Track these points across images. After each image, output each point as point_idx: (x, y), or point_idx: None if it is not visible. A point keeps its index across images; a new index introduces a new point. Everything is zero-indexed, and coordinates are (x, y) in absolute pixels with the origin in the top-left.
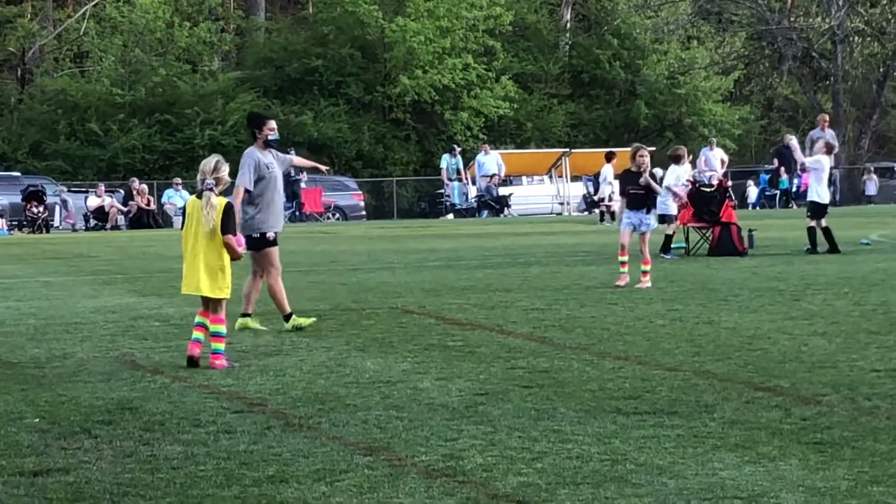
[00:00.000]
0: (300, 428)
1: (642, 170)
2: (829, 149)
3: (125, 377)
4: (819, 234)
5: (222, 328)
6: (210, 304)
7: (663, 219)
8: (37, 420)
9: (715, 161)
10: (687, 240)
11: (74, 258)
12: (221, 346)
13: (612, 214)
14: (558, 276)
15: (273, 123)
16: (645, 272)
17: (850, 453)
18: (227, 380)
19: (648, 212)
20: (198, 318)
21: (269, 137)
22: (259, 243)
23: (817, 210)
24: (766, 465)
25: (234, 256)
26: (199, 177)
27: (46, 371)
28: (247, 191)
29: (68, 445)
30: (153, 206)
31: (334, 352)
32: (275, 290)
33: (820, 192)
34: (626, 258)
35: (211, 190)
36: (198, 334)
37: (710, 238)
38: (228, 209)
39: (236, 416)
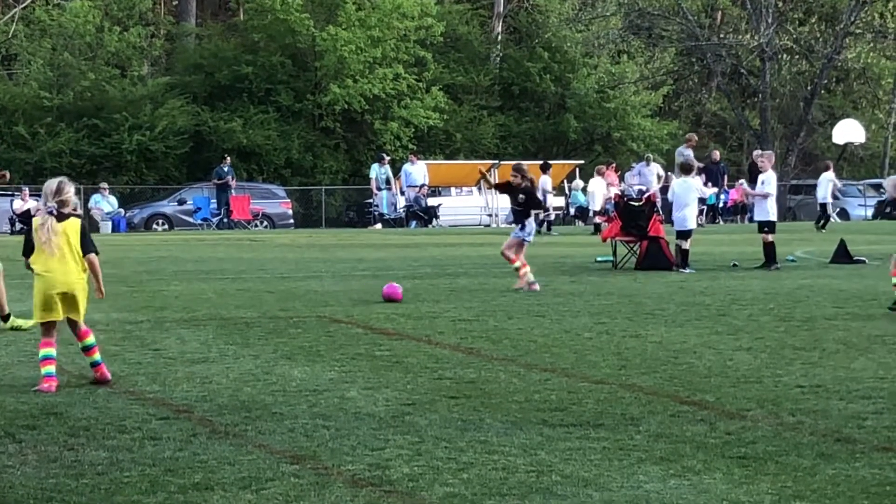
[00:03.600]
0: (226, 435)
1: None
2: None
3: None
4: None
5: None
6: (73, 326)
7: (681, 234)
8: None
9: (651, 176)
10: (615, 253)
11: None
12: (97, 356)
13: (549, 224)
14: (486, 287)
15: None
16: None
17: (774, 468)
18: (153, 386)
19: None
20: (44, 352)
21: None
22: None
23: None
24: (690, 478)
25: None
26: (41, 200)
27: None
28: None
29: None
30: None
31: (261, 360)
32: None
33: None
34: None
35: (51, 214)
36: (49, 367)
37: (638, 252)
38: (84, 227)
39: (162, 422)
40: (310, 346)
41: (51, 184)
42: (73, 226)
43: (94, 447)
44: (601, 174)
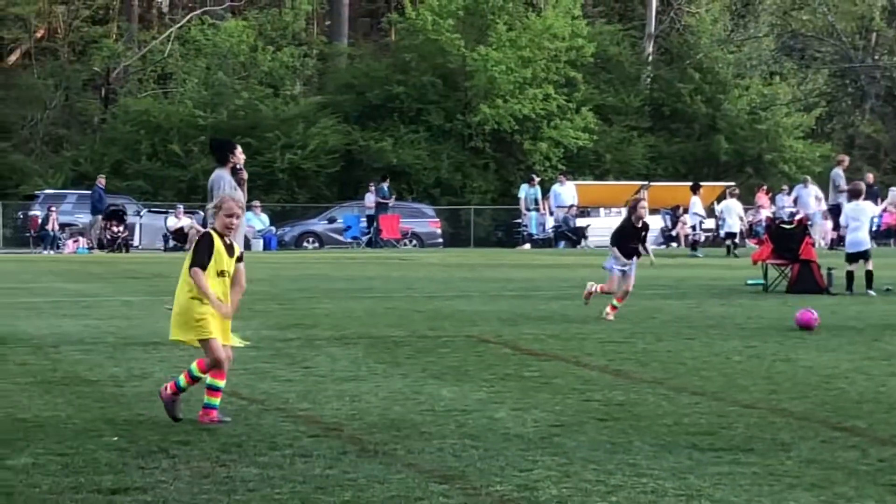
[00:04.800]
0: (375, 454)
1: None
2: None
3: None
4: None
5: (215, 380)
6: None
7: (854, 256)
8: (115, 438)
9: (809, 198)
10: (765, 276)
11: (154, 278)
12: (215, 400)
13: (695, 244)
14: (635, 308)
15: (240, 149)
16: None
17: None
18: (304, 403)
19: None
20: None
21: (238, 164)
22: None
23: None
24: None
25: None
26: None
27: (125, 390)
28: None
29: (146, 464)
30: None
31: (410, 379)
32: None
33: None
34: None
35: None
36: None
37: (790, 275)
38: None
39: (312, 440)
40: (458, 366)
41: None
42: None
43: (245, 463)
44: (734, 196)
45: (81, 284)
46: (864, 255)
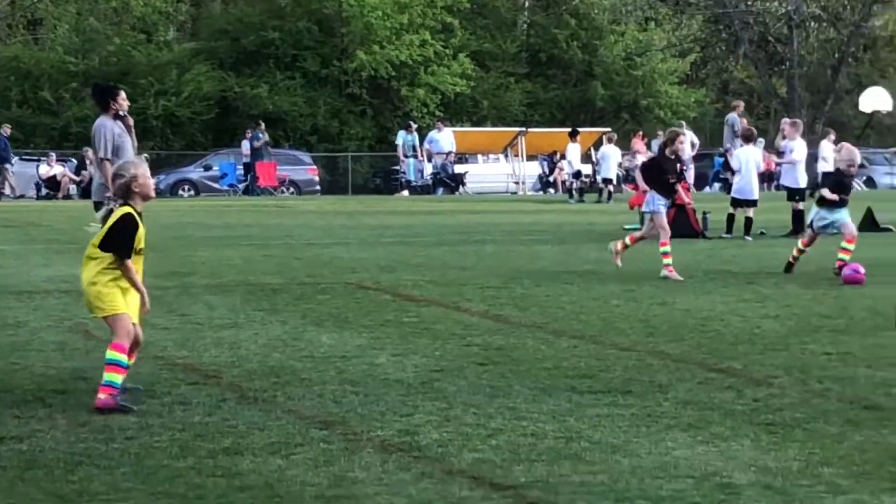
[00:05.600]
0: (255, 401)
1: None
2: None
3: (79, 347)
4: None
5: (116, 355)
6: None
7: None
8: None
9: (684, 144)
10: (642, 221)
11: (26, 226)
12: (115, 378)
13: (581, 191)
14: (513, 254)
15: (124, 95)
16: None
17: (802, 434)
18: (182, 351)
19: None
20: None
21: (121, 111)
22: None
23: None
24: (718, 444)
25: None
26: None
27: None
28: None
29: (22, 414)
30: None
31: (289, 326)
32: None
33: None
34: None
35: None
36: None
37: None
38: (117, 222)
39: (191, 387)
40: (338, 313)
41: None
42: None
43: (123, 412)
44: (612, 141)
45: None
46: (751, 203)
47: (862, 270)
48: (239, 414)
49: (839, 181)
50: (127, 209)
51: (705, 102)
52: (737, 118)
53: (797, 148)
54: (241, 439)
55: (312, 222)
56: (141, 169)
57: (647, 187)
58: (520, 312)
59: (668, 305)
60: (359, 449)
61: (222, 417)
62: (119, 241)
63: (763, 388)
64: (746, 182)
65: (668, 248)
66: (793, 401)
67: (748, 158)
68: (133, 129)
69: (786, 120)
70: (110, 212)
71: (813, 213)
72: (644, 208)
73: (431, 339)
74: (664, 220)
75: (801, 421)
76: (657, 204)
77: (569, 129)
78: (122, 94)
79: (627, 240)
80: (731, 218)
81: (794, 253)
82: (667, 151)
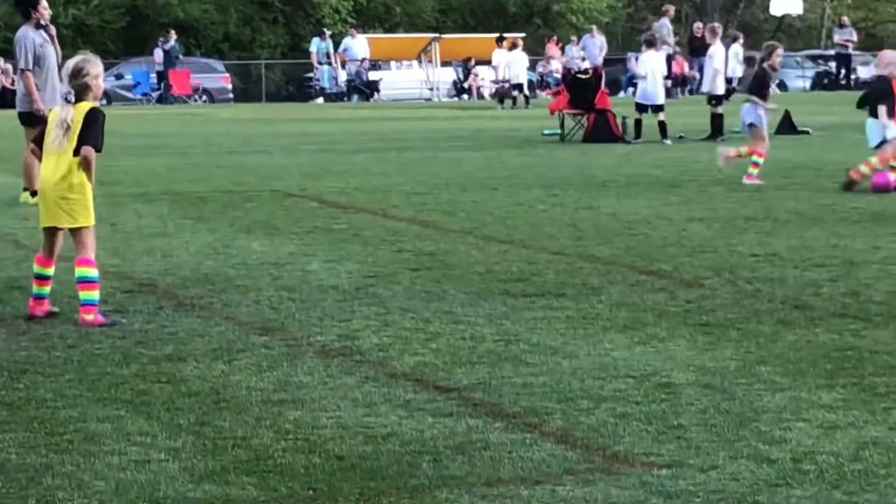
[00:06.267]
0: (192, 308)
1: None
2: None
3: (9, 256)
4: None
5: (91, 271)
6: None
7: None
8: None
9: (595, 48)
10: (562, 126)
11: None
12: (94, 294)
13: (515, 99)
14: (436, 161)
15: (45, 3)
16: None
17: (736, 335)
18: (114, 260)
19: None
20: (35, 268)
21: (42, 20)
22: (31, 119)
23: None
24: (655, 345)
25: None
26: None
27: None
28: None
29: None
30: (9, 84)
31: (219, 234)
32: (29, 165)
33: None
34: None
35: (67, 101)
36: (40, 288)
37: (586, 124)
38: (92, 116)
39: (127, 296)
40: (266, 220)
41: (68, 64)
42: (82, 111)
43: (61, 320)
44: (517, 46)
45: None
46: (657, 108)
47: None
48: (177, 321)
49: (763, 81)
50: (90, 104)
51: (617, 7)
52: (667, 23)
53: (717, 53)
54: (183, 346)
55: (230, 130)
56: (98, 68)
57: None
58: (448, 218)
59: (593, 209)
60: (300, 354)
61: (161, 325)
62: (101, 136)
63: (694, 289)
64: (652, 86)
65: (760, 160)
66: (724, 302)
67: (651, 63)
68: (55, 38)
69: (698, 24)
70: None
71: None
72: (747, 119)
73: (362, 246)
74: (764, 132)
75: (735, 321)
76: (758, 117)
77: (493, 35)
78: (44, 3)
79: (743, 149)
80: (638, 123)
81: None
82: (766, 65)
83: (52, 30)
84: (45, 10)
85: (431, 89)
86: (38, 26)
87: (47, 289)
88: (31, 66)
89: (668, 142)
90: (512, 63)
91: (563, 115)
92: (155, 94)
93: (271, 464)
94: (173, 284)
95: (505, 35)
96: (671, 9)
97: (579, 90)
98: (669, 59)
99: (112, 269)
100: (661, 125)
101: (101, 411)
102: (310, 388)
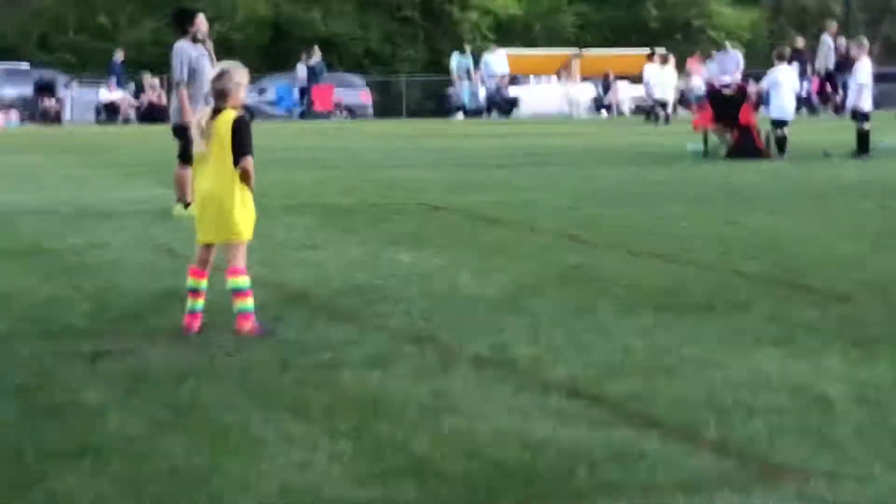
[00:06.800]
0: (345, 318)
1: None
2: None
3: (166, 266)
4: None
5: (244, 280)
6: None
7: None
8: (86, 306)
9: (730, 64)
10: (705, 142)
11: (92, 151)
12: (249, 303)
13: (667, 117)
14: (578, 176)
15: (203, 17)
16: None
17: (890, 350)
18: (266, 271)
19: None
20: (189, 282)
21: (199, 34)
22: (183, 132)
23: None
24: (808, 359)
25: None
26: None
27: (87, 259)
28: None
29: (121, 331)
30: (164, 101)
31: (368, 246)
32: (181, 177)
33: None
34: None
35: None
36: (194, 302)
37: (730, 140)
38: (240, 125)
39: (280, 306)
40: (414, 233)
41: (215, 66)
42: (229, 119)
43: (218, 329)
44: (668, 62)
45: (23, 156)
46: (784, 123)
47: None
48: (331, 331)
49: None
50: (234, 112)
51: (759, 23)
52: (829, 41)
53: (863, 68)
54: (338, 354)
55: (373, 145)
56: (243, 77)
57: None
58: (592, 232)
59: (739, 225)
60: (453, 363)
61: (316, 334)
62: (250, 143)
63: (846, 304)
64: (783, 100)
65: None
66: (876, 317)
67: (782, 77)
68: (212, 54)
69: (842, 41)
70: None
71: None
72: None
73: (510, 259)
74: None
75: (888, 336)
76: None
77: (634, 51)
78: (201, 17)
79: None
80: (780, 139)
81: None
82: None
83: (210, 45)
84: (202, 24)
85: (571, 105)
86: (195, 40)
87: (201, 302)
88: (185, 79)
89: (779, 160)
90: (661, 78)
91: (707, 131)
92: (297, 110)
93: (431, 469)
94: (325, 295)
95: (656, 50)
96: (833, 25)
97: (723, 106)
98: (830, 76)
99: (265, 281)
100: (782, 140)
101: (263, 416)
102: (465, 396)
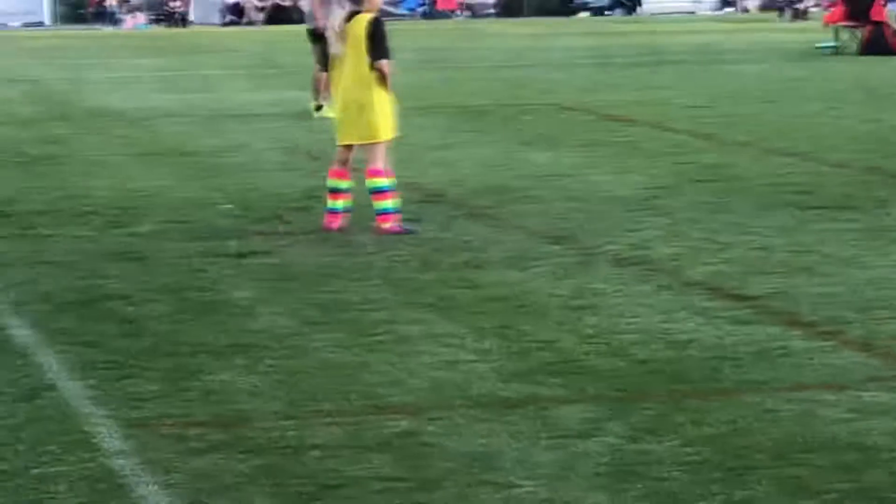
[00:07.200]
0: (483, 217)
1: None
2: None
3: (303, 167)
4: None
5: (384, 181)
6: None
7: None
8: (229, 206)
9: None
10: (836, 38)
11: (221, 52)
12: (389, 203)
13: (797, 12)
14: (710, 74)
15: None
16: None
17: None
18: (402, 171)
19: None
20: (329, 182)
21: None
22: (315, 36)
23: None
24: None
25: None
26: None
27: (226, 160)
28: None
29: (264, 230)
30: (289, 2)
31: (501, 146)
32: (317, 79)
33: None
34: None
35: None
36: (334, 202)
37: (862, 37)
38: (375, 28)
39: (419, 205)
40: (546, 133)
41: None
42: (360, 25)
43: (358, 230)
44: None
45: (155, 59)
46: None
47: None
48: (470, 230)
49: None
50: (369, 15)
51: None
52: None
53: None
54: (478, 254)
55: (500, 45)
56: None
57: None
58: (727, 130)
59: (877, 122)
60: (593, 262)
61: (455, 233)
62: (387, 45)
63: None
64: None
65: None
66: None
67: None
68: None
69: None
70: None
71: None
72: None
73: (644, 158)
74: None
75: None
76: None
77: None
78: None
79: None
80: None
81: None
82: None
83: None
84: None
85: (695, 2)
86: None
87: (341, 202)
88: None
89: None
90: None
91: (838, 28)
92: (420, 9)
93: (576, 366)
94: (462, 195)
95: None
96: None
97: (854, 2)
98: None
99: (402, 181)
100: None
101: (408, 314)
102: (606, 295)
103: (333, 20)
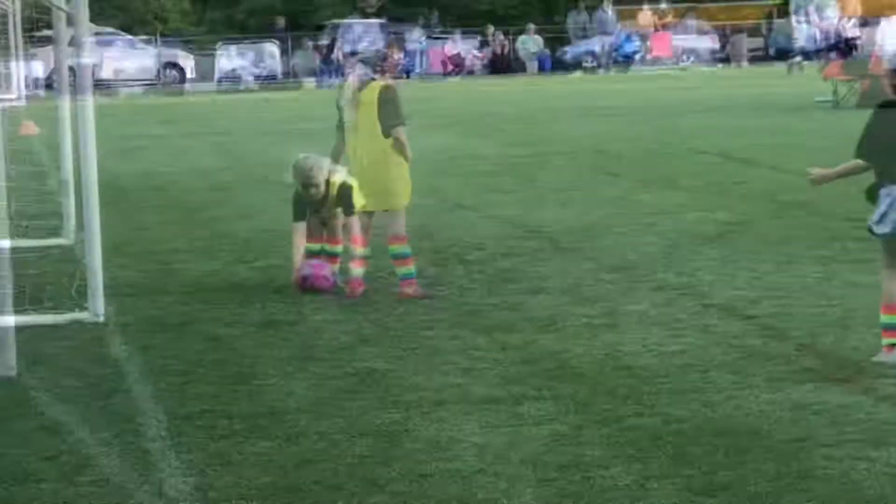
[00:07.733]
0: (566, 251)
1: None
2: None
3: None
4: None
5: (404, 247)
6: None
7: None
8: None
9: None
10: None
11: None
12: (411, 268)
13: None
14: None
15: None
16: None
17: None
18: (516, 211)
19: None
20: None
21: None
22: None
23: None
24: None
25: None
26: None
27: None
28: None
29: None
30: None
31: (621, 189)
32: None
33: None
34: None
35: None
36: (356, 269)
37: None
38: (386, 94)
39: (516, 241)
40: (669, 176)
41: None
42: (372, 93)
43: (455, 262)
44: None
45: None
46: None
47: None
48: (548, 262)
49: None
50: (381, 82)
51: None
52: None
53: None
54: (541, 282)
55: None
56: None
57: None
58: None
59: None
60: (637, 289)
61: (532, 264)
62: (400, 111)
63: None
64: None
65: None
66: None
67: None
68: None
69: None
70: None
71: None
72: None
73: (739, 198)
74: None
75: None
76: None
77: None
78: None
79: None
80: None
81: None
82: None
83: None
84: None
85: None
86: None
87: (361, 269)
88: None
89: None
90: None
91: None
92: (638, 56)
93: (571, 372)
94: (558, 231)
95: None
96: None
97: None
98: None
99: (510, 219)
100: None
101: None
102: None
103: (346, 89)
